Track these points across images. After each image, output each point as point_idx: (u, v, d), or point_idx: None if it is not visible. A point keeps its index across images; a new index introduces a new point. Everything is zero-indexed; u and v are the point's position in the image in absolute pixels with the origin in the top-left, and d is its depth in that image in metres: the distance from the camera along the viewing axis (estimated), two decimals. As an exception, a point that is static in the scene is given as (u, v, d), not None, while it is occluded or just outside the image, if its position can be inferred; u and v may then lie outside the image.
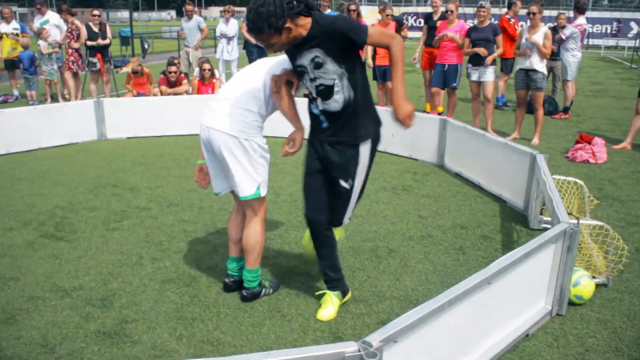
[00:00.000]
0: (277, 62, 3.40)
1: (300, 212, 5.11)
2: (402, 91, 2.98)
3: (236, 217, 3.68)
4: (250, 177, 3.32)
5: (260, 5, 2.87)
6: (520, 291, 3.18)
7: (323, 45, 2.99)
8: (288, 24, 2.92)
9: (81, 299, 3.66)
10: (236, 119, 3.24)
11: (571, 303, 3.54)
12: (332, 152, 3.23)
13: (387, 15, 8.91)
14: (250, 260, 3.54)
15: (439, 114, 8.45)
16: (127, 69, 10.73)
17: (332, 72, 3.04)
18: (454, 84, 8.35)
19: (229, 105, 3.29)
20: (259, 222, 3.49)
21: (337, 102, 3.11)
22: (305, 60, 3.09)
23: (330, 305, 3.47)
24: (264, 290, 3.67)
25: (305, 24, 2.99)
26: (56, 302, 3.63)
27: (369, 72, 9.02)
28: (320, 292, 3.59)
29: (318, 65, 3.05)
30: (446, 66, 8.29)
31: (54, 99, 10.90)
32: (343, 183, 3.26)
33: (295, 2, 2.91)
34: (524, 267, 3.06)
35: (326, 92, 3.10)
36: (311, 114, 3.30)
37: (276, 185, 5.91)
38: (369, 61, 9.10)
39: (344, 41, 2.95)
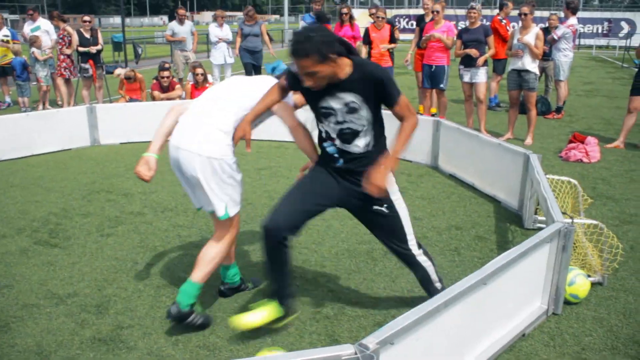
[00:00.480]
0: (252, 86, 3.30)
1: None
2: (397, 159, 2.96)
3: None
4: (218, 198, 3.17)
5: (311, 31, 2.79)
6: (516, 291, 3.19)
7: (362, 91, 2.90)
8: (334, 56, 2.80)
9: (76, 306, 3.64)
10: (207, 139, 3.09)
11: (567, 302, 3.54)
12: (349, 181, 3.11)
13: (379, 17, 8.92)
14: (199, 274, 3.25)
15: (432, 115, 8.47)
16: (119, 71, 10.71)
17: (364, 119, 2.97)
18: (442, 85, 8.38)
19: (200, 122, 3.15)
20: (225, 242, 3.33)
21: (358, 146, 3.04)
22: (337, 103, 2.94)
23: (262, 312, 3.13)
24: (192, 315, 3.24)
25: (344, 65, 2.87)
26: (51, 309, 3.61)
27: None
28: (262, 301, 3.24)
29: (352, 110, 2.94)
30: (433, 67, 8.32)
31: (53, 104, 10.86)
32: (378, 208, 3.11)
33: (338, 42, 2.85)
34: (520, 267, 3.07)
35: (350, 136, 3.02)
36: (323, 150, 3.16)
37: (270, 189, 5.90)
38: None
39: (381, 92, 2.91)
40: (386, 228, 3.19)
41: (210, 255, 3.30)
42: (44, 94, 10.59)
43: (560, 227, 3.27)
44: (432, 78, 8.43)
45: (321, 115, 3.05)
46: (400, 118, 2.98)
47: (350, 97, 2.92)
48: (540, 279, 3.40)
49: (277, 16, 70.35)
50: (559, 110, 9.73)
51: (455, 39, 8.20)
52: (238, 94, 3.25)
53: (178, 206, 5.47)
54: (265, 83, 3.32)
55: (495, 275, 2.85)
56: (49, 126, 7.69)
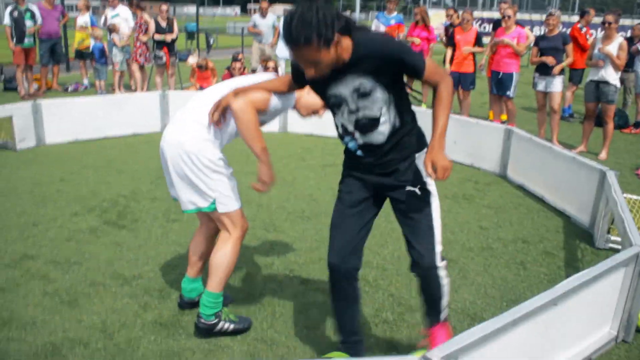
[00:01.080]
0: (247, 81, 3.06)
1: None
2: (444, 134, 2.49)
3: (198, 234, 3.40)
4: (200, 192, 3.01)
5: (306, 11, 2.30)
6: (586, 314, 3.05)
7: (371, 71, 2.47)
8: (337, 38, 2.36)
9: (140, 288, 3.74)
10: (186, 131, 2.97)
11: (639, 330, 3.37)
12: (380, 174, 2.74)
13: (465, 20, 8.71)
14: (211, 282, 3.10)
15: (502, 122, 8.25)
16: (192, 60, 10.95)
17: (381, 101, 2.54)
18: (509, 92, 8.15)
19: (184, 116, 3.06)
20: (230, 242, 3.10)
21: (382, 134, 2.61)
22: (345, 89, 2.55)
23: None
24: (220, 323, 3.13)
25: (347, 44, 2.43)
26: (116, 289, 3.72)
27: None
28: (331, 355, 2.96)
29: (364, 95, 2.53)
30: (501, 74, 8.12)
31: (127, 89, 11.24)
32: (411, 188, 2.68)
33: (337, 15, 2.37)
34: (592, 289, 2.93)
35: (369, 125, 2.60)
36: (345, 149, 2.85)
37: (335, 186, 5.88)
38: None
39: (396, 66, 2.48)
40: (416, 217, 2.70)
41: (218, 261, 3.10)
42: (119, 78, 10.95)
43: (638, 252, 3.10)
44: (499, 84, 8.21)
45: (333, 105, 2.67)
46: (434, 84, 2.52)
47: (357, 81, 2.51)
48: (612, 303, 3.25)
49: (348, 12, 70.24)
50: (637, 125, 9.29)
51: (528, 44, 7.95)
52: (228, 89, 3.00)
53: (242, 197, 5.52)
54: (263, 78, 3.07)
55: (567, 297, 2.73)
56: (123, 110, 7.95)
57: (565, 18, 24.52)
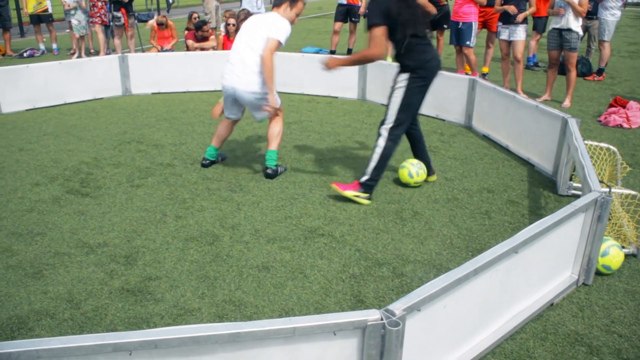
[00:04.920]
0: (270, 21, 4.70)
1: (325, 171, 5.07)
2: (337, 61, 4.37)
3: (226, 122, 5.16)
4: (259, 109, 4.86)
5: None
6: (547, 260, 3.12)
7: None
8: None
9: (106, 256, 3.70)
10: (253, 81, 4.71)
11: (598, 273, 3.47)
12: None
13: None
14: (273, 144, 4.99)
15: (466, 73, 8.24)
16: (152, 22, 10.64)
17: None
18: (468, 42, 8.14)
19: (245, 70, 4.70)
20: (279, 120, 5.00)
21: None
22: None
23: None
24: (279, 168, 5.05)
25: None
26: (81, 258, 3.67)
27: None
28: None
29: None
30: (460, 23, 8.08)
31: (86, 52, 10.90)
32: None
33: None
34: (552, 236, 2.99)
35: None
36: None
37: (300, 144, 5.86)
38: None
39: None
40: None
41: (275, 131, 4.99)
42: (75, 42, 10.59)
43: (597, 197, 3.16)
44: (458, 35, 8.19)
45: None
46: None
47: None
48: (572, 248, 3.32)
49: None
50: (600, 72, 9.37)
51: None
52: (261, 33, 4.69)
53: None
54: (273, 18, 4.73)
55: (527, 244, 2.78)
56: (82, 75, 7.71)
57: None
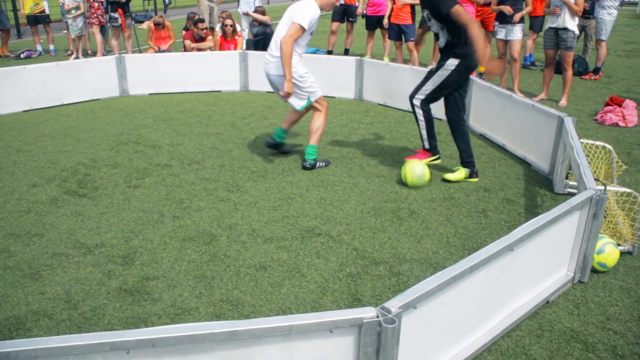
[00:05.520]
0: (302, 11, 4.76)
1: (322, 172, 5.09)
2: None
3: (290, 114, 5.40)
4: (298, 96, 4.98)
5: None
6: (543, 257, 3.14)
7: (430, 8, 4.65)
8: None
9: (103, 256, 3.70)
10: (280, 64, 4.85)
11: (594, 270, 3.49)
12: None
13: None
14: (313, 138, 5.13)
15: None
16: (148, 23, 10.64)
17: (435, 25, 4.68)
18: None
19: (274, 55, 4.91)
20: (321, 115, 5.12)
21: (441, 43, 4.75)
22: (424, 14, 4.82)
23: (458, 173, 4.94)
24: (318, 163, 5.20)
25: None
26: (79, 258, 3.68)
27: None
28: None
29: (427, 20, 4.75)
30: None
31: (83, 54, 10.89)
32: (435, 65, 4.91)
33: None
34: (548, 233, 3.01)
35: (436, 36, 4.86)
36: None
37: (298, 144, 5.87)
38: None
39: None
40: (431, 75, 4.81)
41: (315, 125, 5.11)
42: (72, 43, 10.59)
43: (592, 195, 3.18)
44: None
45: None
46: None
47: (425, 11, 4.75)
48: (568, 246, 3.34)
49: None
50: (596, 71, 9.39)
51: None
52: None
53: (205, 159, 5.49)
54: (307, 3, 4.82)
55: (523, 242, 2.79)
56: (79, 76, 7.71)
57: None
